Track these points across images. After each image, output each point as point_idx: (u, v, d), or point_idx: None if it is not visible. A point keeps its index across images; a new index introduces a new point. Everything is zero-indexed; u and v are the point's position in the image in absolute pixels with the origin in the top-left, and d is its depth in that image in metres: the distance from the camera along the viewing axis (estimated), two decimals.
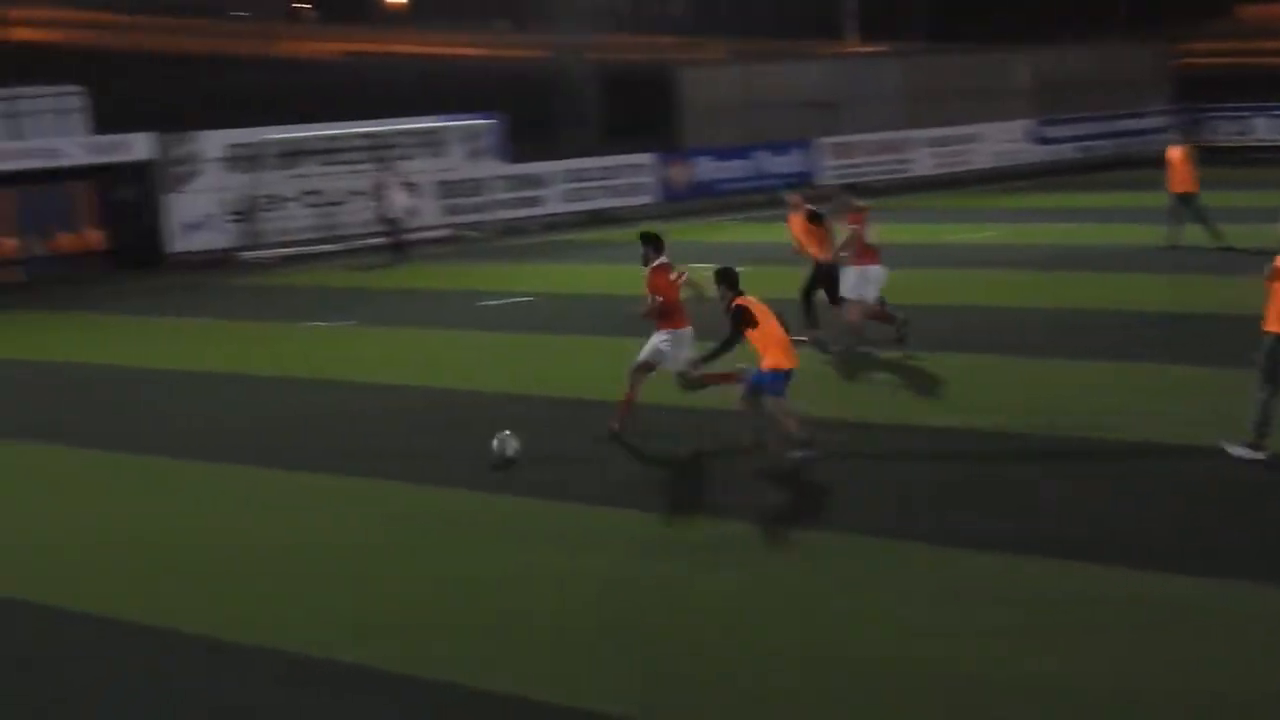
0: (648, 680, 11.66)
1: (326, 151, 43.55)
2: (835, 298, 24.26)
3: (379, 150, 44.17)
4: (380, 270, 38.28)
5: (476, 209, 46.04)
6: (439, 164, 45.46)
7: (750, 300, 17.85)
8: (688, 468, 18.18)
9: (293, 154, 42.95)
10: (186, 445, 20.12)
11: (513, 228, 45.74)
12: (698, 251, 32.69)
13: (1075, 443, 17.87)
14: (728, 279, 17.99)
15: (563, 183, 47.80)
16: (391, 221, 40.25)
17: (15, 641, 13.52)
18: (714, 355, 18.28)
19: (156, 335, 30.28)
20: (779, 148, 52.37)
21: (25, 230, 40.30)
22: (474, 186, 46.00)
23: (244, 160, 42.26)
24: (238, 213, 42.19)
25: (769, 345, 17.63)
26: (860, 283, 23.84)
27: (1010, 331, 25.01)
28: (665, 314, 18.73)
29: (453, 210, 45.68)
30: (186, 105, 42.60)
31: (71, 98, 41.20)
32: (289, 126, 42.83)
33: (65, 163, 40.27)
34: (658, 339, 18.85)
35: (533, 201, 47.20)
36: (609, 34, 54.02)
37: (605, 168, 48.74)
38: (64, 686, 12.26)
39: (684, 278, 18.87)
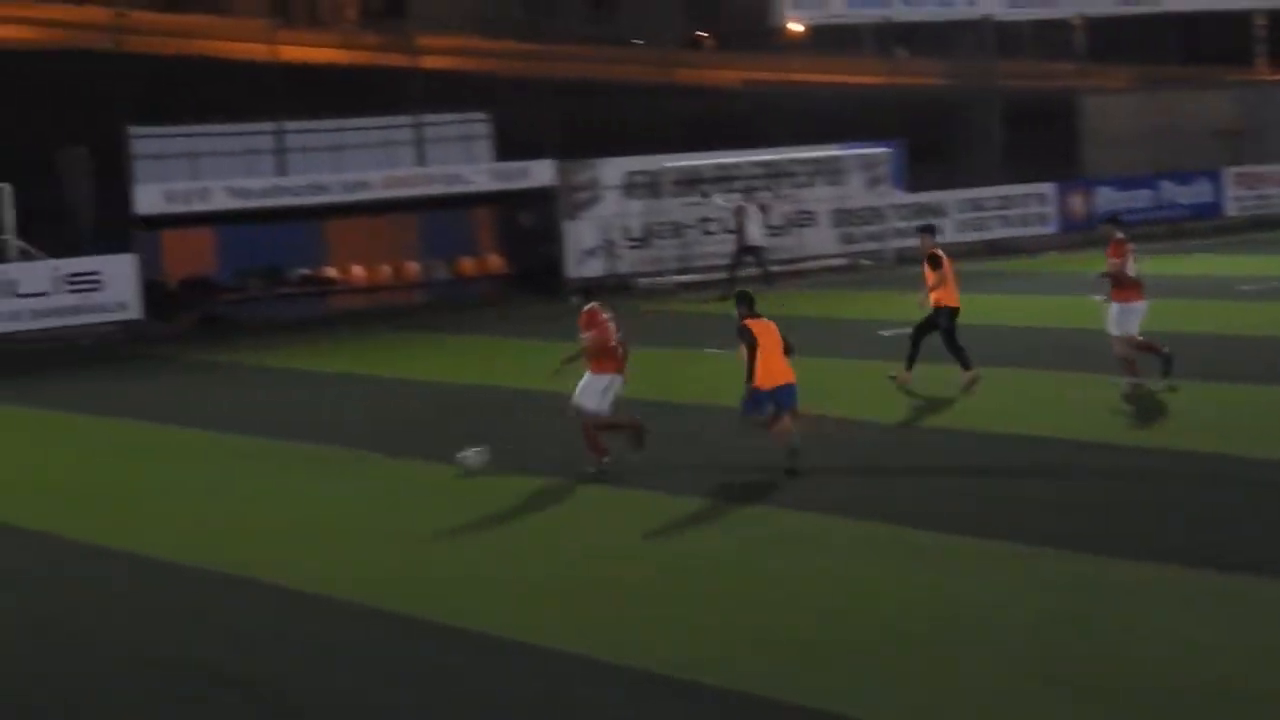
0: None
1: (724, 179, 43.46)
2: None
3: (777, 178, 44.10)
4: (778, 297, 37.69)
5: (873, 238, 45.61)
6: (837, 192, 45.16)
7: (757, 322, 18.93)
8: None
9: (690, 182, 42.98)
10: (630, 474, 19.43)
11: (909, 257, 44.20)
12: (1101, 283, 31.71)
13: None
14: (744, 300, 19.21)
15: (961, 212, 47.04)
16: (753, 250, 40.05)
17: (454, 666, 13.33)
18: (748, 372, 18.83)
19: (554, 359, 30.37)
20: (1184, 178, 50.84)
21: (428, 254, 41.04)
22: (871, 215, 45.52)
23: (642, 187, 42.44)
24: (635, 239, 42.36)
25: (761, 368, 18.65)
26: (1123, 318, 23.30)
27: None
28: (595, 356, 19.13)
29: (849, 239, 45.42)
30: (586, 132, 42.64)
31: (476, 125, 41.62)
32: (687, 154, 42.92)
33: (469, 189, 40.89)
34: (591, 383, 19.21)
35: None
36: (1010, 60, 52.86)
37: (1004, 197, 47.82)
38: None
39: (613, 324, 19.33)
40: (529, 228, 41.67)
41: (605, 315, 19.28)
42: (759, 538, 16.54)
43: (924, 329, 24.37)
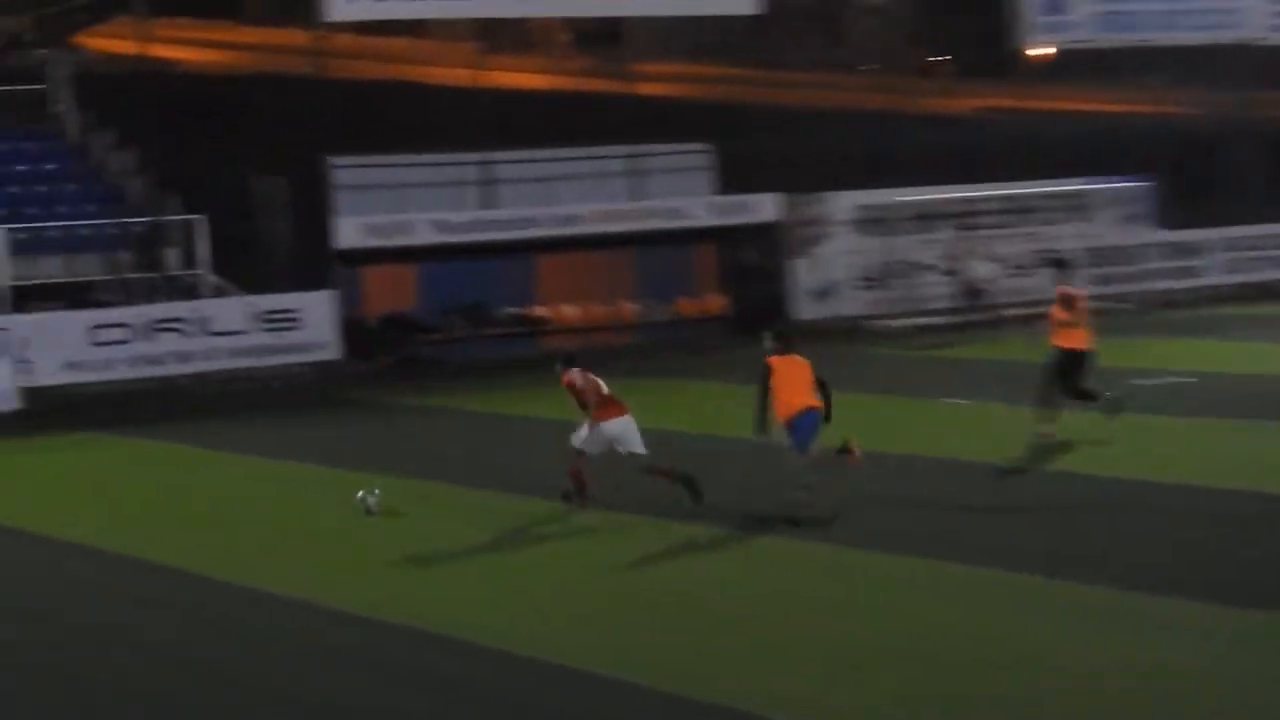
0: None
1: (963, 215, 42.41)
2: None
3: (1021, 214, 42.99)
4: (1025, 342, 35.88)
5: (1127, 279, 43.56)
6: (1086, 230, 43.62)
7: (781, 360, 18.95)
8: None
9: (927, 217, 41.96)
10: (860, 532, 18.70)
11: (1167, 300, 43.28)
12: None
13: None
14: (779, 338, 19.37)
15: (1224, 251, 44.99)
16: (976, 292, 39.18)
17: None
18: (759, 410, 18.91)
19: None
20: None
21: (644, 294, 40.85)
22: (1124, 255, 43.72)
23: (874, 223, 41.53)
24: (868, 279, 41.29)
25: (779, 404, 18.79)
26: None
27: None
28: (598, 406, 19.97)
29: (1101, 280, 42.63)
30: (813, 164, 41.81)
31: (696, 155, 41.06)
32: (922, 188, 41.92)
33: (688, 223, 40.43)
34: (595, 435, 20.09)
35: (1190, 272, 44.52)
36: (1277, 90, 50.36)
37: (1272, 236, 45.64)
38: None
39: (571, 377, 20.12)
40: (751, 266, 41.24)
41: (583, 379, 20.09)
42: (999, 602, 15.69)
43: (1059, 373, 23.74)
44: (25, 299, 34.15)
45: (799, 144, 42.56)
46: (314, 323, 35.75)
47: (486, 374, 35.47)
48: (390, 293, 38.75)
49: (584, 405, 20.14)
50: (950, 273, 40.54)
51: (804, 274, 40.88)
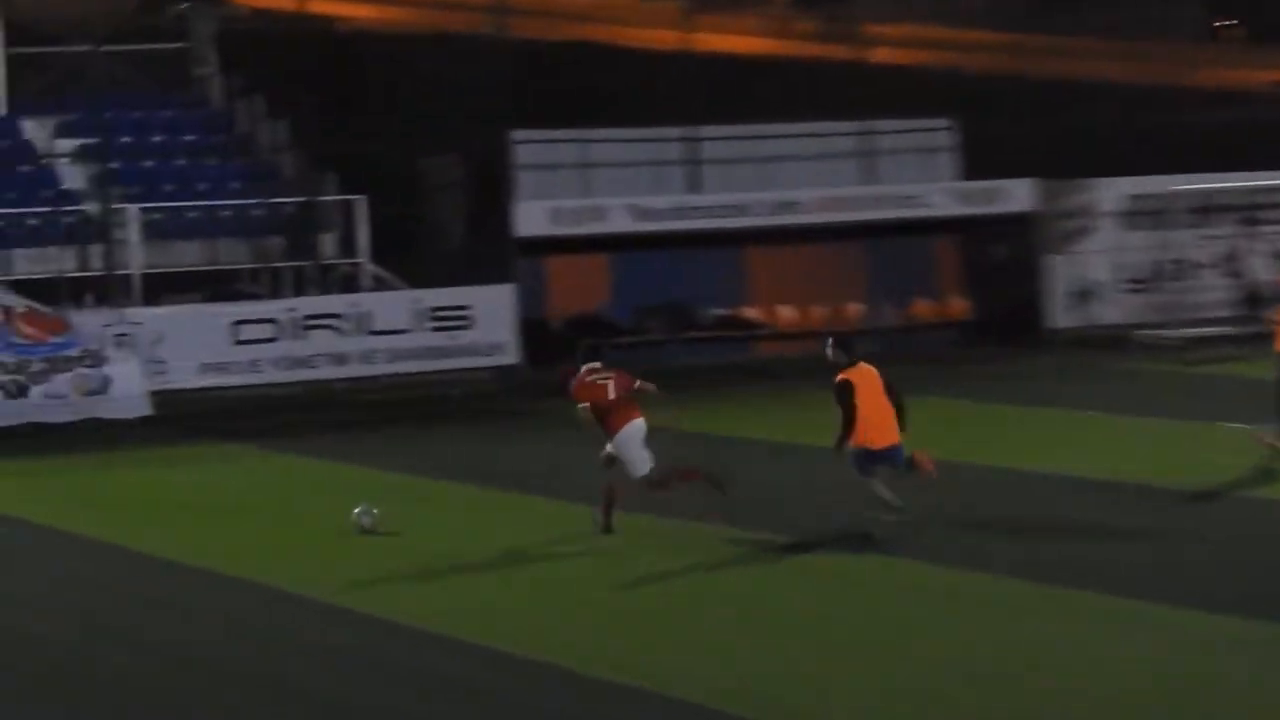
0: None
1: (1250, 208, 40.40)
2: None
3: None
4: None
5: None
6: None
7: (857, 374, 19.47)
8: None
9: (1208, 210, 40.20)
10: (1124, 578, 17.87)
11: None
12: None
13: None
14: (844, 346, 19.83)
15: None
16: (1261, 298, 36.89)
17: None
18: (842, 434, 19.45)
19: (1026, 428, 29.63)
20: None
21: (875, 294, 39.81)
22: None
23: (1146, 216, 39.86)
24: (1136, 281, 39.76)
25: (860, 423, 19.32)
26: None
27: None
28: (603, 418, 20.07)
29: None
30: (1076, 146, 40.57)
31: (937, 133, 40.13)
32: (1203, 176, 39.79)
33: (927, 213, 39.27)
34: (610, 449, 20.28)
35: None
36: None
37: None
38: None
39: (611, 381, 20.30)
40: (1000, 263, 39.88)
41: (593, 378, 20.31)
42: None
43: None
44: (158, 290, 33.98)
45: (1059, 122, 42.00)
46: (489, 322, 35.06)
47: (689, 385, 33.70)
48: (578, 289, 38.18)
49: (585, 418, 20.50)
50: (1233, 275, 39.24)
51: (1061, 274, 39.42)
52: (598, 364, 20.60)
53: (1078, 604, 16.53)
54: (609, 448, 20.27)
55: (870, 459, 19.45)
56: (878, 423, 19.31)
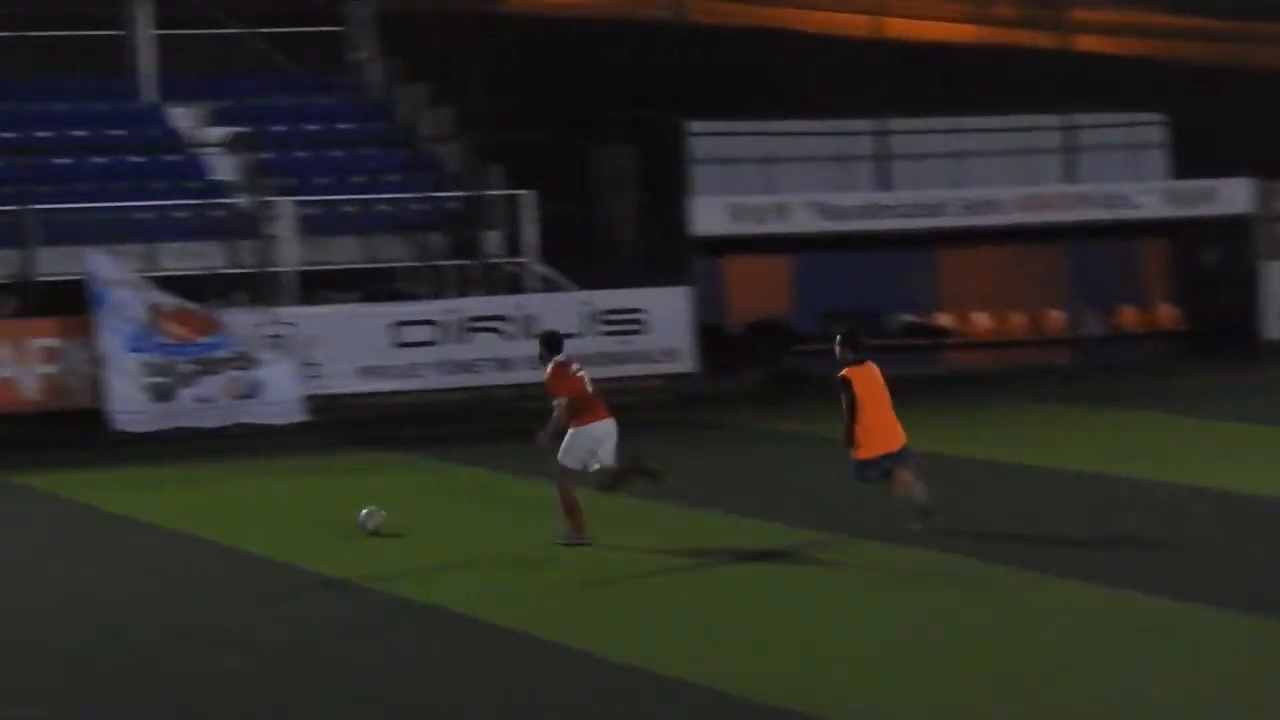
0: None
1: None
2: None
3: None
4: None
5: None
6: None
7: (861, 372, 19.64)
8: None
9: None
10: None
11: None
12: None
13: None
14: (852, 345, 19.88)
15: None
16: None
17: None
18: (847, 431, 19.72)
19: (1243, 448, 28.18)
20: None
21: (1076, 301, 39.00)
22: None
23: None
24: None
25: (861, 430, 19.55)
26: None
27: None
28: (576, 411, 20.19)
29: None
30: None
31: (1148, 129, 39.45)
32: None
33: (1135, 214, 38.64)
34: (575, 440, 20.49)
35: None
36: None
37: None
38: None
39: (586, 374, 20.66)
40: (1214, 270, 39.47)
41: (574, 368, 20.53)
42: None
43: None
44: (314, 289, 33.90)
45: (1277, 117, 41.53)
46: (664, 326, 34.87)
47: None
48: (759, 292, 37.64)
49: (562, 414, 20.52)
50: None
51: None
52: (563, 358, 20.33)
53: None
54: (576, 457, 20.12)
55: (871, 466, 19.71)
56: (880, 429, 19.61)
